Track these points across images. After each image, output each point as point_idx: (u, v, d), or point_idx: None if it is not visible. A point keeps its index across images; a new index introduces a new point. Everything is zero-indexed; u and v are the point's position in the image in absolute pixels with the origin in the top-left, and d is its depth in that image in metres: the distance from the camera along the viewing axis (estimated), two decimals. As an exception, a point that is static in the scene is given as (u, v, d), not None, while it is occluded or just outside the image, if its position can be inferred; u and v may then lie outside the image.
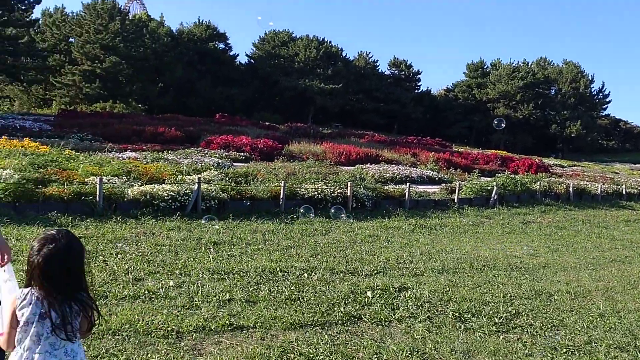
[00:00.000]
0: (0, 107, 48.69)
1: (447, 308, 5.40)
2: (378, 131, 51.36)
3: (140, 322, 4.34)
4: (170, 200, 10.44)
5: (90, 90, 48.69)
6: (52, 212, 9.01)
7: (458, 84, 77.04)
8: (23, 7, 43.82)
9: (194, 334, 4.24)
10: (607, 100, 76.05)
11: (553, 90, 73.68)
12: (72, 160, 13.94)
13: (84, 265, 2.32)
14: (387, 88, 69.33)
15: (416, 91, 74.79)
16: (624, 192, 21.52)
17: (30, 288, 2.25)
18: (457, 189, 15.30)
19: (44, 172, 11.20)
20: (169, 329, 4.29)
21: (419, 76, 75.48)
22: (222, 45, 63.90)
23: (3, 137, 17.69)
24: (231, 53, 65.14)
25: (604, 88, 75.40)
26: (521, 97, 68.80)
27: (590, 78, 72.63)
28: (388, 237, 9.80)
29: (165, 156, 17.78)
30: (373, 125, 61.54)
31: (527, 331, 4.92)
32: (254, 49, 68.75)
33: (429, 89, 78.78)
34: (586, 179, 26.11)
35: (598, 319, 5.51)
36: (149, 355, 3.74)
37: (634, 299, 6.61)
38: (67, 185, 10.28)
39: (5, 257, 2.75)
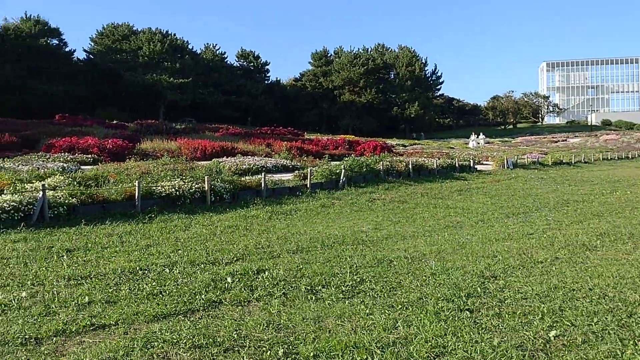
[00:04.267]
0: None
1: (301, 283, 5.90)
2: (232, 124, 51.41)
3: (-6, 334, 4.28)
4: (12, 211, 9.86)
5: None
6: None
7: (305, 73, 79.30)
8: None
9: (54, 338, 4.30)
10: (440, 81, 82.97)
11: (392, 75, 78.64)
12: None
13: None
14: (237, 80, 69.50)
15: (266, 82, 75.83)
16: (457, 165, 23.91)
17: None
18: (309, 174, 16.04)
19: None
20: (27, 336, 4.29)
21: (267, 67, 76.56)
22: (55, 41, 59.53)
23: None
24: (67, 49, 60.96)
25: (437, 70, 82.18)
26: (364, 83, 72.58)
27: (423, 61, 78.57)
28: (247, 226, 10.16)
29: (2, 164, 16.50)
30: (227, 119, 61.38)
31: (369, 295, 5.58)
32: (93, 44, 65.08)
33: (279, 79, 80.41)
34: (424, 155, 28.55)
35: (430, 278, 6.35)
36: (9, 363, 3.76)
37: (461, 257, 7.61)
38: None
39: None
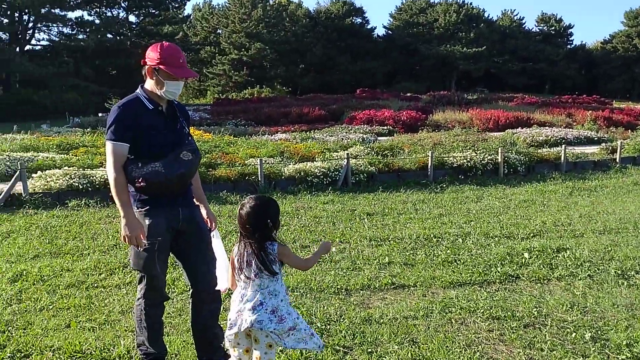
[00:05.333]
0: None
1: (609, 266, 5.31)
2: (527, 93, 48.69)
3: (313, 281, 4.91)
4: (322, 176, 11.11)
5: (239, 78, 51.97)
6: (222, 191, 10.07)
7: (616, 34, 69.94)
8: (176, 5, 47.72)
9: (361, 291, 4.71)
10: None
11: None
12: (232, 145, 15.25)
13: (269, 221, 2.76)
14: (535, 46, 65.20)
15: (568, 47, 69.39)
16: None
17: (240, 240, 2.82)
18: (618, 147, 14.30)
19: (210, 156, 12.44)
20: (338, 286, 4.80)
21: (570, 30, 69.98)
22: (359, 20, 64.27)
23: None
24: (368, 26, 65.31)
25: None
26: (694, 41, 60.88)
27: None
28: (544, 201, 9.58)
29: (313, 135, 18.71)
30: (521, 87, 58.43)
31: (699, 287, 4.73)
32: (391, 20, 68.28)
33: (583, 43, 72.70)
34: None
35: None
36: (326, 307, 4.27)
37: None
38: (231, 167, 11.38)
39: (213, 223, 3.40)
